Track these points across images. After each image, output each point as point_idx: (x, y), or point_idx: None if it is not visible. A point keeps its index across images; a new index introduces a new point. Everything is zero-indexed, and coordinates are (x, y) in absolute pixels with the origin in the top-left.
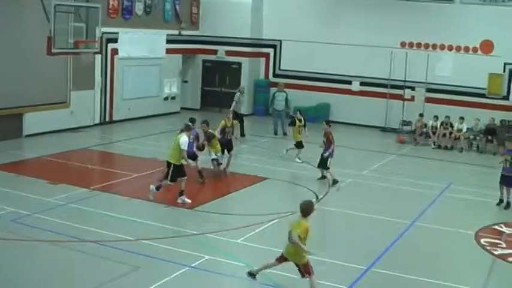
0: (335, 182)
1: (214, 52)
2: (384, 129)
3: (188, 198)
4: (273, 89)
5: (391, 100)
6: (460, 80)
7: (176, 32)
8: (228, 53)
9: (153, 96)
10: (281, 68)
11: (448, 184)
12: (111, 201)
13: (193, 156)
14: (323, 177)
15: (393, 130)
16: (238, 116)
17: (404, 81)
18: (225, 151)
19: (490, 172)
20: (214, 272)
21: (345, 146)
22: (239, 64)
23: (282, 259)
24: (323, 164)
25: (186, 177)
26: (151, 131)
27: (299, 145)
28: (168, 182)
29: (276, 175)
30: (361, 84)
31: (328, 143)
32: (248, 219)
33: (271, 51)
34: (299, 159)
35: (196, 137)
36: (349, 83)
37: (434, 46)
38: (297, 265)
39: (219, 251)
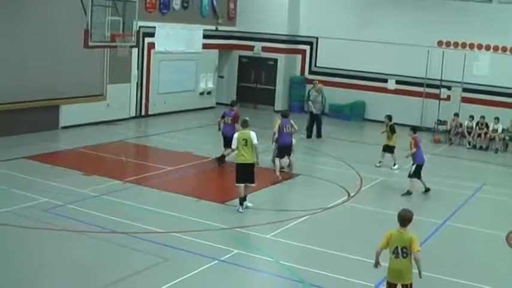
0: (409, 193)
1: (251, 48)
2: (418, 129)
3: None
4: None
5: (426, 99)
6: (497, 80)
7: (213, 27)
8: (264, 49)
9: (189, 91)
10: (317, 65)
11: (482, 185)
12: (143, 194)
13: None
14: (426, 189)
15: (428, 129)
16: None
17: (441, 80)
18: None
19: None
20: (243, 266)
21: (380, 144)
22: (275, 60)
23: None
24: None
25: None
26: (187, 126)
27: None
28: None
29: (310, 171)
30: (397, 82)
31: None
32: (278, 215)
33: (307, 48)
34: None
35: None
36: (385, 81)
37: (471, 45)
38: (405, 286)
39: (248, 246)
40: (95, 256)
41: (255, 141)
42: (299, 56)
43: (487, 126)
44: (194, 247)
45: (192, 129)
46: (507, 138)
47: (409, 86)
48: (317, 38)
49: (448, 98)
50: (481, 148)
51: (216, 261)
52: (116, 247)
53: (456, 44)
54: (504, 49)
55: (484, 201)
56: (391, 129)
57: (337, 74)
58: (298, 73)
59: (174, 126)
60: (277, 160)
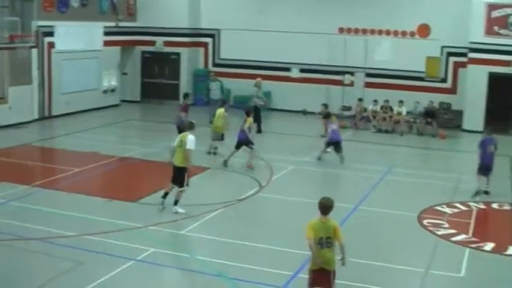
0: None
1: (153, 43)
2: (304, 112)
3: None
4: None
5: (330, 86)
6: (399, 64)
7: (113, 24)
8: (167, 43)
9: (92, 90)
10: (220, 57)
11: (390, 167)
12: (52, 197)
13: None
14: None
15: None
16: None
17: (344, 66)
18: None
19: (430, 154)
20: (160, 265)
21: (287, 133)
22: (178, 55)
23: (318, 276)
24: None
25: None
26: (92, 125)
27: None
28: (184, 188)
29: (218, 165)
30: (301, 71)
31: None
32: (192, 210)
33: (209, 40)
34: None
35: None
36: (289, 70)
37: (372, 31)
38: (329, 272)
39: (164, 243)
40: (9, 265)
41: (188, 146)
42: (202, 49)
43: (391, 109)
44: (109, 248)
45: (98, 128)
46: (411, 120)
47: (312, 73)
48: (219, 30)
49: (352, 83)
50: (386, 131)
51: (132, 262)
52: (29, 254)
53: (357, 31)
54: (404, 33)
55: (393, 183)
56: (324, 115)
57: (241, 65)
58: (201, 66)
59: (79, 126)
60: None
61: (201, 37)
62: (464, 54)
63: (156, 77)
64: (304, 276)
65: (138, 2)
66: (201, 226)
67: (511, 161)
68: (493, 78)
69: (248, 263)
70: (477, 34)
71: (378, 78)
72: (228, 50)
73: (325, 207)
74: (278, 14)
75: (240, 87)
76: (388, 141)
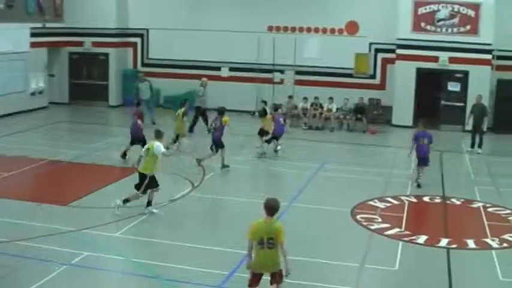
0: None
1: (81, 44)
2: (254, 113)
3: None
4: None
5: (261, 84)
6: (328, 62)
7: (40, 25)
8: (95, 44)
9: (18, 92)
10: (149, 57)
11: (322, 164)
12: None
13: None
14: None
15: None
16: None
17: (273, 64)
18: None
19: (361, 150)
20: (95, 268)
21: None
22: (106, 55)
23: (258, 277)
24: None
25: (159, 188)
26: (19, 128)
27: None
28: (140, 194)
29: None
30: (231, 69)
31: None
32: (125, 212)
33: (138, 40)
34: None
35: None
36: (219, 69)
37: (301, 29)
38: (273, 274)
39: (98, 247)
40: None
41: (159, 154)
42: (130, 49)
43: (321, 106)
44: (42, 254)
45: (26, 132)
46: (341, 117)
47: (242, 72)
48: (147, 30)
49: (282, 81)
50: (317, 128)
51: (66, 266)
52: None
53: (286, 29)
54: (332, 31)
55: (326, 179)
56: (260, 113)
57: (170, 64)
58: (130, 66)
59: (6, 129)
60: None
61: (129, 37)
62: (392, 51)
63: (84, 78)
64: (240, 275)
65: (65, 3)
66: (134, 228)
67: (440, 155)
68: (421, 73)
69: (183, 264)
70: (404, 30)
71: (307, 75)
72: (157, 50)
73: (270, 207)
74: (207, 13)
75: (169, 87)
76: (319, 137)
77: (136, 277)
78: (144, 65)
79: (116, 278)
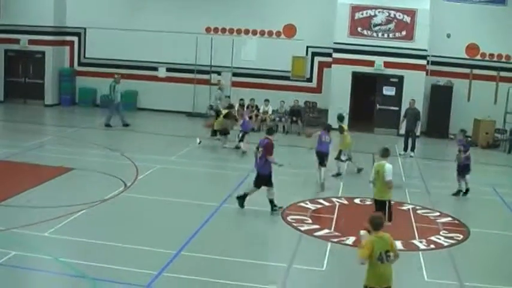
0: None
1: (17, 41)
2: (190, 115)
3: None
4: (81, 78)
5: (197, 85)
6: (265, 64)
7: None
8: (31, 41)
9: None
10: (86, 56)
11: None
12: None
13: None
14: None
15: (200, 115)
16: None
17: (211, 66)
18: None
19: (296, 152)
20: (23, 268)
21: (153, 133)
22: (43, 53)
23: None
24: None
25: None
26: None
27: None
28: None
29: (83, 165)
30: (168, 70)
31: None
32: (55, 211)
33: (75, 39)
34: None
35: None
36: (156, 69)
37: (238, 31)
38: None
39: (26, 246)
40: None
41: (387, 177)
42: (67, 48)
43: (257, 108)
44: None
45: None
46: (277, 119)
47: (179, 73)
48: (85, 29)
49: (219, 83)
50: (252, 130)
51: None
52: None
53: (224, 30)
54: (270, 33)
55: None
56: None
57: (108, 64)
58: (67, 65)
59: None
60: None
61: (66, 35)
62: (329, 54)
63: (20, 76)
64: (169, 274)
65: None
66: (64, 227)
67: (373, 158)
68: (357, 77)
69: (112, 263)
70: (341, 35)
71: (244, 77)
72: (94, 49)
73: (378, 224)
74: (145, 13)
75: (106, 86)
76: (255, 139)
77: (63, 277)
78: (80, 64)
79: (42, 277)
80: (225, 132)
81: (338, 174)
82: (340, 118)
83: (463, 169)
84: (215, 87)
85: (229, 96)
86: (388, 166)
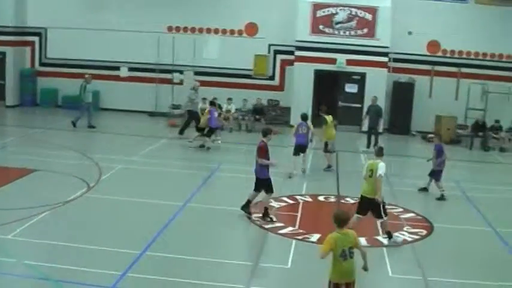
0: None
1: None
2: (153, 114)
3: None
4: (42, 79)
5: (160, 85)
6: (227, 62)
7: None
8: None
9: None
10: (48, 56)
11: (219, 164)
12: None
13: None
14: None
15: (163, 114)
16: (193, 115)
17: (173, 65)
18: None
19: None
20: None
21: (115, 133)
22: (3, 54)
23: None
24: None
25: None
26: None
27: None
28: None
29: (46, 166)
30: (130, 69)
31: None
32: (18, 213)
33: (36, 39)
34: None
35: None
36: (118, 69)
37: (200, 30)
38: (349, 284)
39: None
40: None
41: (378, 175)
42: (28, 48)
43: (220, 107)
44: None
45: None
46: (240, 117)
47: (141, 72)
48: (46, 29)
49: (181, 82)
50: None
51: None
52: None
53: (186, 29)
54: (232, 32)
55: (222, 179)
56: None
57: (69, 64)
58: (28, 66)
59: None
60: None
61: (27, 36)
62: (291, 53)
63: None
64: (133, 275)
65: None
66: (27, 230)
67: (337, 155)
68: (319, 75)
69: (76, 265)
70: (303, 33)
71: (207, 76)
72: (56, 49)
73: (342, 220)
74: (106, 12)
75: (68, 86)
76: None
77: (27, 279)
78: (42, 64)
79: (6, 280)
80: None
81: (329, 167)
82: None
83: (435, 174)
84: (177, 86)
85: (205, 98)
86: (382, 164)
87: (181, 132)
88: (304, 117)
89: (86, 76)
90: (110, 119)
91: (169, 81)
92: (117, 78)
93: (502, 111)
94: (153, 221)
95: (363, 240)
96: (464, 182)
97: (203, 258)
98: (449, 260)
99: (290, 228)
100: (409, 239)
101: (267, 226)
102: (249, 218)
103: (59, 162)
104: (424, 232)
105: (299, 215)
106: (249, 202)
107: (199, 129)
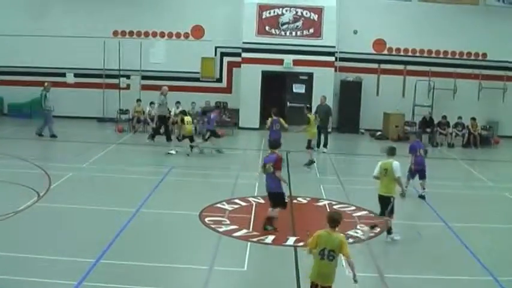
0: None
1: None
2: (101, 120)
3: None
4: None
5: (107, 90)
6: (174, 66)
7: None
8: None
9: None
10: None
11: (170, 168)
12: None
13: None
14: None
15: (111, 120)
16: (163, 120)
17: (119, 70)
18: None
19: (208, 153)
20: None
21: (64, 140)
22: None
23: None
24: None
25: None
26: None
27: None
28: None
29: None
30: (76, 75)
31: None
32: None
33: None
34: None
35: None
36: (64, 75)
37: (146, 34)
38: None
39: None
40: None
41: (396, 174)
42: None
43: (169, 111)
44: None
45: None
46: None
47: (88, 78)
48: None
49: (128, 86)
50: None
51: None
52: None
53: (132, 33)
54: (178, 35)
55: (174, 183)
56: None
57: (15, 72)
58: None
59: None
60: None
61: None
62: (238, 54)
63: None
64: (89, 284)
65: None
66: None
67: (287, 155)
68: (267, 76)
69: (31, 276)
70: (249, 34)
71: (154, 80)
72: (1, 57)
73: (332, 220)
74: (50, 18)
75: (14, 94)
76: (166, 143)
77: None
78: None
79: None
80: (191, 138)
81: (311, 162)
82: (276, 113)
83: (419, 172)
84: (124, 91)
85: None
86: (396, 163)
87: (152, 137)
88: (276, 113)
89: (45, 84)
90: (58, 126)
91: (116, 86)
92: (64, 84)
93: (448, 107)
94: (106, 228)
95: None
96: (416, 179)
97: (159, 264)
98: (405, 256)
99: (244, 231)
100: (363, 237)
101: (220, 229)
102: (276, 230)
103: (7, 171)
104: (378, 229)
105: (252, 216)
106: (271, 219)
107: (189, 138)
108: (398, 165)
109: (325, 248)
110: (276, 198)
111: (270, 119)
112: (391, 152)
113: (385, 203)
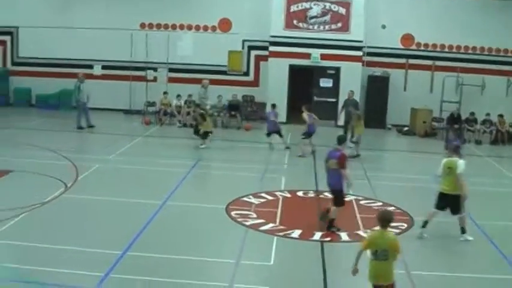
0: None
1: None
2: (128, 112)
3: None
4: (15, 78)
5: (134, 82)
6: (201, 59)
7: None
8: None
9: None
10: (20, 55)
11: (196, 161)
12: None
13: None
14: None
15: (138, 112)
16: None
17: (146, 62)
18: None
19: (236, 146)
20: None
21: (91, 132)
22: None
23: None
24: None
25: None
26: None
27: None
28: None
29: (21, 167)
30: (103, 68)
31: None
32: None
33: (8, 38)
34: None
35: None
36: (91, 67)
37: (174, 26)
38: (380, 287)
39: None
40: None
41: (459, 171)
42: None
43: (195, 104)
44: None
45: None
46: (216, 114)
47: (115, 70)
48: (17, 28)
49: (155, 79)
50: (191, 126)
51: None
52: None
53: (159, 26)
54: (206, 28)
55: (201, 176)
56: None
57: (42, 63)
58: (0, 65)
59: None
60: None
61: None
62: (265, 48)
63: None
64: (116, 276)
65: None
66: (6, 232)
67: (314, 150)
68: (294, 70)
69: (58, 267)
70: (277, 28)
71: (181, 73)
72: (28, 48)
73: (383, 220)
74: (79, 10)
75: (42, 86)
76: (193, 135)
77: (8, 283)
78: (14, 63)
79: None
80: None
81: (357, 155)
82: (273, 106)
83: None
84: (151, 83)
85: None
86: (461, 162)
87: (197, 133)
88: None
89: (79, 76)
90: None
91: (143, 79)
92: (91, 76)
93: (476, 104)
94: (133, 220)
95: (344, 235)
96: None
97: (185, 257)
98: (431, 254)
99: (271, 225)
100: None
101: (247, 223)
102: (339, 230)
103: (35, 163)
104: (405, 226)
105: (279, 211)
106: (332, 221)
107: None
108: (463, 164)
109: (379, 249)
110: (335, 194)
111: (304, 113)
112: (456, 150)
113: (453, 202)
